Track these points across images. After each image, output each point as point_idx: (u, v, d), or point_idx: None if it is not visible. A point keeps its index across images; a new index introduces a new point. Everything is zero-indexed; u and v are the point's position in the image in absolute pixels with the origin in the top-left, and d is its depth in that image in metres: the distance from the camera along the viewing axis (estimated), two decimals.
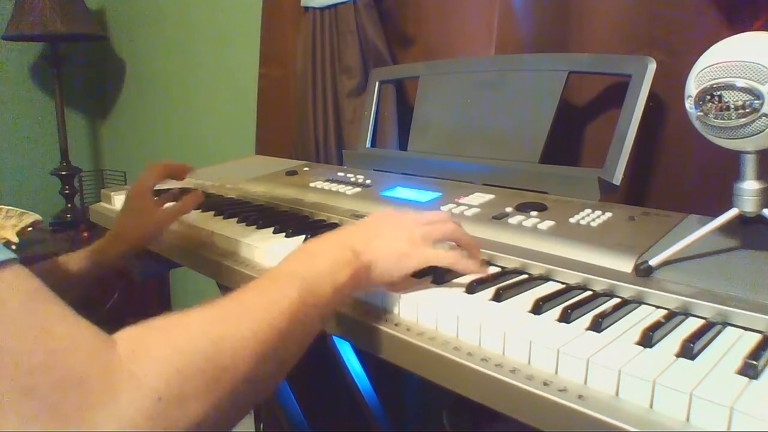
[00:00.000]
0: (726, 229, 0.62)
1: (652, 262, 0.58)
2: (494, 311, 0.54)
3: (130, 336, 0.40)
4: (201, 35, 1.97)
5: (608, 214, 0.74)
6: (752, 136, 0.55)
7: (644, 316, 0.53)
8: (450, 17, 1.19)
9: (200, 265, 0.85)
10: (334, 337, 0.95)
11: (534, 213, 0.76)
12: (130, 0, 2.31)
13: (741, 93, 0.54)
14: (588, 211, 0.75)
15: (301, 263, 0.54)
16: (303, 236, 0.78)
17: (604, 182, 0.81)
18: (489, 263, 0.68)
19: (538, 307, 0.53)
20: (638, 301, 0.56)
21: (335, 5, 1.32)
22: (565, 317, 0.51)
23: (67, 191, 2.27)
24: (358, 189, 1.00)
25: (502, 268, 0.67)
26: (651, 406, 0.40)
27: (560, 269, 0.62)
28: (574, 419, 0.41)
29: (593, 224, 0.71)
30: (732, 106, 0.55)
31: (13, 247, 1.77)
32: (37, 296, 0.37)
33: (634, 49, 0.90)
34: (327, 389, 1.26)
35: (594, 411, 0.40)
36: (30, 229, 1.86)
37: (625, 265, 0.60)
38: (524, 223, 0.73)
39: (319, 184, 1.07)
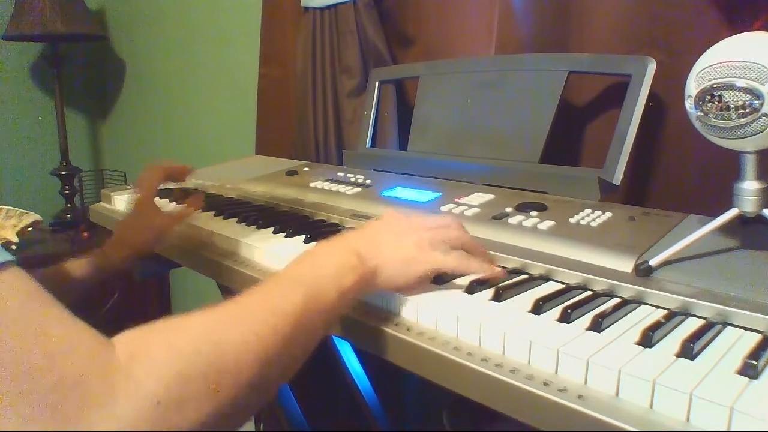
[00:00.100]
0: (726, 229, 0.62)
1: (652, 262, 0.58)
2: (494, 311, 0.54)
3: (130, 338, 0.40)
4: (201, 35, 1.97)
5: (608, 214, 0.74)
6: (752, 136, 0.55)
7: (644, 316, 0.53)
8: (450, 17, 1.19)
9: (200, 265, 0.85)
10: (334, 337, 0.95)
11: (534, 213, 0.76)
12: (130, 0, 2.31)
13: (741, 93, 0.54)
14: (588, 211, 0.75)
15: (306, 268, 0.54)
16: (303, 236, 0.78)
17: (604, 182, 0.81)
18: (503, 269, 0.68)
19: (538, 307, 0.53)
20: (638, 301, 0.56)
21: (335, 5, 1.32)
22: (565, 317, 0.51)
23: (67, 191, 2.27)
24: (358, 189, 1.00)
25: (502, 268, 0.67)
26: (651, 406, 0.40)
27: (560, 269, 0.62)
28: (574, 419, 0.41)
29: (593, 224, 0.71)
30: (732, 106, 0.55)
31: (13, 247, 1.78)
32: (34, 298, 0.37)
33: (634, 49, 0.90)
34: (327, 389, 1.26)
35: (594, 411, 0.40)
36: (30, 229, 1.86)
37: (625, 265, 0.60)
38: (524, 223, 0.73)
39: (319, 184, 1.07)
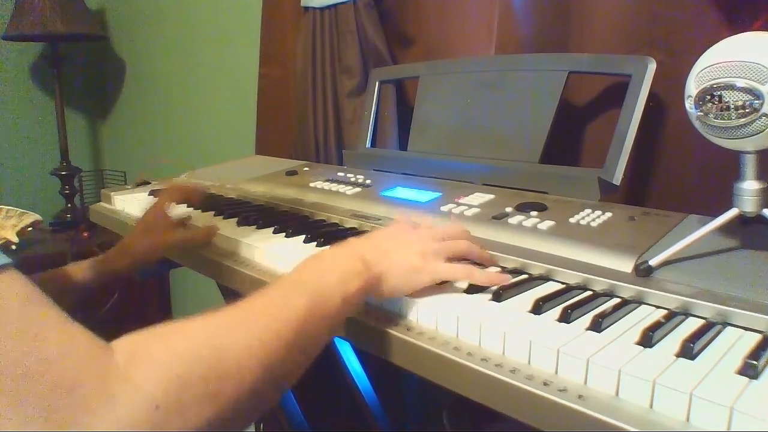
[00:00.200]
0: (726, 229, 0.62)
1: (652, 262, 0.58)
2: (494, 311, 0.54)
3: (129, 342, 0.39)
4: (201, 35, 1.97)
5: (608, 214, 0.74)
6: (752, 136, 0.55)
7: (644, 316, 0.53)
8: (450, 17, 1.19)
9: (200, 265, 0.85)
10: (334, 337, 0.95)
11: (534, 213, 0.76)
12: (130, 0, 2.31)
13: (741, 93, 0.54)
14: (588, 211, 0.75)
15: (311, 273, 0.54)
16: (303, 236, 0.78)
17: (604, 182, 0.81)
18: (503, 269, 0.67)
19: (538, 307, 0.53)
20: (638, 301, 0.56)
21: (335, 5, 1.32)
22: (565, 317, 0.51)
23: (67, 191, 2.27)
24: (358, 189, 1.00)
25: (502, 268, 0.67)
26: (651, 406, 0.40)
27: (560, 269, 0.62)
28: (574, 419, 0.41)
29: (593, 224, 0.71)
30: (732, 106, 0.55)
31: (13, 247, 1.77)
32: (32, 301, 0.37)
33: (634, 49, 0.90)
34: (327, 389, 1.26)
35: (594, 411, 0.40)
36: (30, 229, 1.86)
37: (625, 265, 0.60)
38: (524, 223, 0.73)
39: (319, 184, 1.07)
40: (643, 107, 0.81)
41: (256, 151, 1.62)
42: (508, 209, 0.79)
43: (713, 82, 0.56)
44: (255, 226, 0.86)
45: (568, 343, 0.46)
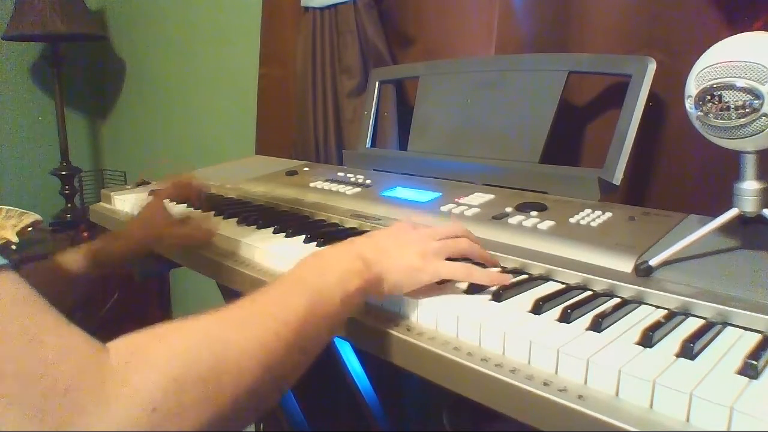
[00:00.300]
0: (726, 229, 0.62)
1: (652, 262, 0.58)
2: (494, 311, 0.54)
3: (126, 343, 0.39)
4: (201, 35, 1.97)
5: (608, 214, 0.74)
6: (752, 136, 0.55)
7: (644, 316, 0.53)
8: (450, 17, 1.19)
9: (200, 265, 0.85)
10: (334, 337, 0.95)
11: (534, 213, 0.76)
12: (130, 0, 2.31)
13: (741, 93, 0.54)
14: (588, 211, 0.75)
15: (311, 272, 0.53)
16: (303, 236, 0.78)
17: (604, 182, 0.81)
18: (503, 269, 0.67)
19: (538, 307, 0.53)
20: (638, 301, 0.56)
21: (335, 5, 1.32)
22: (565, 317, 0.51)
23: (67, 191, 2.27)
24: (358, 189, 1.00)
25: (503, 268, 0.67)
26: (651, 406, 0.40)
27: (560, 269, 0.62)
28: (574, 419, 0.41)
29: (593, 224, 0.71)
30: (732, 106, 0.55)
31: (13, 247, 1.77)
32: (29, 303, 0.37)
33: (634, 49, 0.90)
34: (327, 389, 1.26)
35: (594, 411, 0.40)
36: (30, 229, 1.86)
37: (625, 265, 0.60)
38: (524, 223, 0.73)
39: (319, 184, 1.07)
40: (643, 107, 0.81)
41: (256, 151, 1.62)
42: (508, 209, 0.79)
43: (713, 82, 0.56)
44: (255, 226, 0.86)
45: (568, 343, 0.46)
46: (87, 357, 0.37)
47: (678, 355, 0.44)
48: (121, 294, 1.92)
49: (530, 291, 0.60)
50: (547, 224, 0.72)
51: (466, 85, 1.04)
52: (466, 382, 0.48)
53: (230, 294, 0.81)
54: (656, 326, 0.48)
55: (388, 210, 0.88)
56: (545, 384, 0.44)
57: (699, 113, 0.57)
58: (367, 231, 0.81)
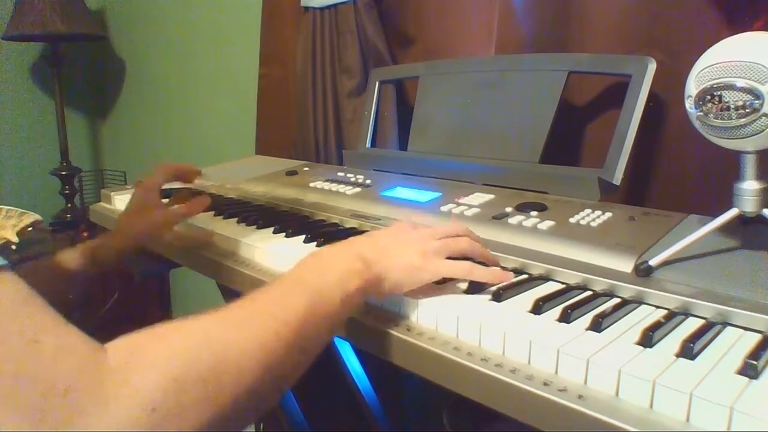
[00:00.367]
0: (726, 229, 0.62)
1: (652, 262, 0.58)
2: (494, 311, 0.54)
3: (125, 344, 0.39)
4: (201, 35, 1.97)
5: (608, 214, 0.74)
6: (752, 136, 0.55)
7: (644, 316, 0.53)
8: (450, 17, 1.19)
9: (200, 265, 0.85)
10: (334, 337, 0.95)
11: (534, 213, 0.76)
12: (130, 0, 2.32)
13: (741, 93, 0.54)
14: (588, 211, 0.75)
15: (311, 272, 0.53)
16: (303, 236, 0.78)
17: (604, 182, 0.81)
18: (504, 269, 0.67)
19: (538, 307, 0.53)
20: (638, 301, 0.56)
21: (335, 5, 1.32)
22: (565, 317, 0.51)
23: (67, 191, 2.27)
24: (358, 189, 1.00)
25: (502, 268, 0.66)
26: (651, 406, 0.40)
27: (560, 269, 0.62)
28: (574, 419, 0.41)
29: (593, 224, 0.71)
30: (732, 106, 0.55)
31: (13, 247, 1.77)
32: (27, 304, 0.37)
33: (634, 49, 0.90)
34: (327, 389, 1.26)
35: (594, 411, 0.40)
36: (30, 229, 1.86)
37: (625, 265, 0.60)
38: (524, 223, 0.73)
39: (319, 184, 1.07)
40: (643, 107, 0.81)
41: (256, 151, 1.62)
42: (508, 209, 0.79)
43: (713, 82, 0.56)
44: (255, 226, 0.86)
45: (568, 343, 0.46)
46: (86, 357, 0.37)
47: (678, 355, 0.44)
48: (121, 294, 1.92)
49: (530, 291, 0.60)
50: (547, 224, 0.72)
51: (466, 85, 1.04)
52: (466, 382, 0.48)
53: (230, 294, 0.81)
54: (656, 326, 0.48)
55: (388, 210, 0.88)
56: (545, 384, 0.44)
57: (699, 113, 0.57)
58: (367, 231, 0.81)
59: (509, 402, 0.45)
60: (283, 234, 0.81)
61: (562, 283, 0.62)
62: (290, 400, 1.24)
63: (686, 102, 0.59)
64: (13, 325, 0.35)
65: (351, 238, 0.60)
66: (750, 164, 0.58)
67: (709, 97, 0.56)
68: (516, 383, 0.45)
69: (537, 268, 0.64)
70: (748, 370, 0.41)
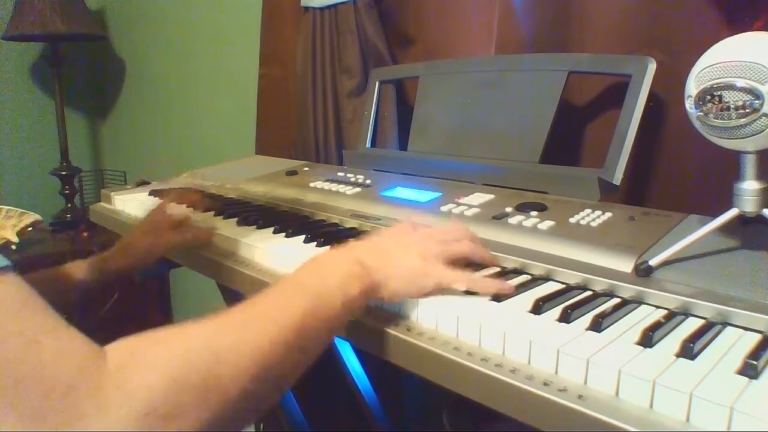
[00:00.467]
0: (726, 229, 0.62)
1: (652, 262, 0.58)
2: (494, 311, 0.54)
3: (123, 347, 0.39)
4: (201, 35, 1.97)
5: (608, 214, 0.74)
6: (752, 136, 0.55)
7: (644, 316, 0.53)
8: (450, 17, 1.19)
9: (200, 265, 0.85)
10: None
11: (534, 213, 0.76)
12: (130, 0, 2.32)
13: (741, 93, 0.54)
14: (588, 211, 0.75)
15: (311, 276, 0.54)
16: (303, 236, 0.78)
17: (604, 182, 0.81)
18: (502, 274, 0.66)
19: (538, 307, 0.53)
20: (638, 301, 0.56)
21: (335, 5, 1.32)
22: (565, 317, 0.51)
23: (67, 191, 2.27)
24: (358, 189, 1.00)
25: (502, 268, 0.67)
26: (651, 406, 0.40)
27: (560, 269, 0.62)
28: (574, 419, 0.41)
29: (593, 224, 0.71)
30: (732, 106, 0.55)
31: (13, 247, 1.77)
32: (28, 306, 0.37)
33: (634, 49, 0.90)
34: (327, 389, 1.26)
35: (594, 411, 0.40)
36: (30, 229, 1.86)
37: (625, 265, 0.60)
38: (524, 223, 0.73)
39: (319, 184, 1.07)
40: (643, 107, 0.81)
41: (256, 151, 1.62)
42: (508, 209, 0.79)
43: (713, 82, 0.56)
44: (255, 226, 0.86)
45: (568, 343, 0.46)
46: (85, 359, 0.37)
47: (678, 355, 0.44)
48: (121, 294, 1.92)
49: (530, 291, 0.60)
50: (547, 224, 0.72)
51: (466, 85, 1.04)
52: (466, 382, 0.48)
53: (230, 294, 0.81)
54: (656, 326, 0.48)
55: (388, 210, 0.88)
56: (545, 384, 0.44)
57: (699, 113, 0.57)
58: (367, 231, 0.81)
59: (509, 402, 0.45)
60: (283, 234, 0.81)
61: (562, 283, 0.62)
62: (290, 400, 1.24)
63: (686, 102, 0.59)
64: (13, 325, 0.35)
65: (352, 243, 0.60)
66: (750, 164, 0.58)
67: (709, 97, 0.56)
68: (516, 383, 0.45)
69: (537, 268, 0.64)
70: (748, 370, 0.41)
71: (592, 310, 0.53)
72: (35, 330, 0.36)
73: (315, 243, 0.76)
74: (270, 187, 1.11)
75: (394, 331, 0.55)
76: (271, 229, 0.84)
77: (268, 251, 0.76)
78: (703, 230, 0.59)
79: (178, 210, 0.96)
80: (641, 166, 0.91)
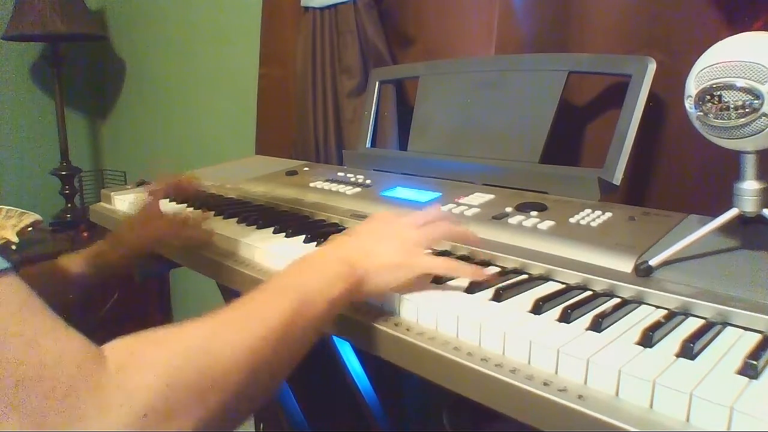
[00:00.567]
0: (726, 229, 0.62)
1: (652, 262, 0.58)
2: (494, 311, 0.54)
3: (121, 347, 0.40)
4: (201, 35, 1.97)
5: (608, 214, 0.74)
6: (752, 136, 0.55)
7: (644, 316, 0.53)
8: (450, 17, 1.19)
9: (200, 265, 0.85)
10: (334, 337, 0.96)
11: (534, 213, 0.76)
12: (130, 0, 2.31)
13: (741, 93, 0.54)
14: (588, 211, 0.75)
15: (297, 277, 0.55)
16: (303, 236, 0.78)
17: (604, 182, 0.81)
18: (488, 263, 0.68)
19: (538, 307, 0.53)
20: (638, 301, 0.56)
21: (335, 5, 1.32)
22: (565, 317, 0.51)
23: (67, 191, 2.27)
24: (358, 189, 1.00)
25: (502, 268, 0.67)
26: (651, 406, 0.40)
27: (560, 269, 0.62)
28: (574, 419, 0.41)
29: (593, 224, 0.71)
30: (732, 106, 0.55)
31: (13, 247, 1.77)
32: (27, 308, 0.37)
33: (634, 49, 0.90)
34: (327, 389, 1.26)
35: (594, 411, 0.40)
36: (30, 229, 1.86)
37: (625, 265, 0.60)
38: (524, 223, 0.73)
39: (319, 184, 1.07)
40: (643, 107, 0.81)
41: (256, 151, 1.62)
42: (508, 209, 0.79)
43: (713, 82, 0.56)
44: (255, 226, 0.86)
45: (568, 343, 0.46)
46: (84, 360, 0.37)
47: (678, 355, 0.44)
48: (121, 294, 1.92)
49: (530, 291, 0.60)
50: (547, 224, 0.72)
51: (466, 85, 1.04)
52: (466, 382, 0.48)
53: (230, 294, 0.81)
54: (656, 326, 0.48)
55: (388, 210, 0.87)
56: (545, 384, 0.44)
57: (699, 113, 0.57)
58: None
59: (509, 402, 0.45)
60: (283, 234, 0.81)
61: (562, 283, 0.62)
62: (290, 400, 1.24)
63: (686, 102, 0.59)
64: (13, 327, 0.35)
65: (335, 240, 0.61)
66: (750, 164, 0.58)
67: (708, 97, 0.56)
68: (516, 383, 0.45)
69: (537, 268, 0.64)
70: (748, 370, 0.41)
71: (592, 310, 0.53)
72: (35, 331, 0.36)
73: (315, 243, 0.76)
74: (270, 187, 1.11)
75: (395, 331, 0.55)
76: (271, 229, 0.84)
77: (268, 251, 0.76)
78: (703, 230, 0.59)
79: (169, 207, 0.96)
80: (641, 166, 0.91)
